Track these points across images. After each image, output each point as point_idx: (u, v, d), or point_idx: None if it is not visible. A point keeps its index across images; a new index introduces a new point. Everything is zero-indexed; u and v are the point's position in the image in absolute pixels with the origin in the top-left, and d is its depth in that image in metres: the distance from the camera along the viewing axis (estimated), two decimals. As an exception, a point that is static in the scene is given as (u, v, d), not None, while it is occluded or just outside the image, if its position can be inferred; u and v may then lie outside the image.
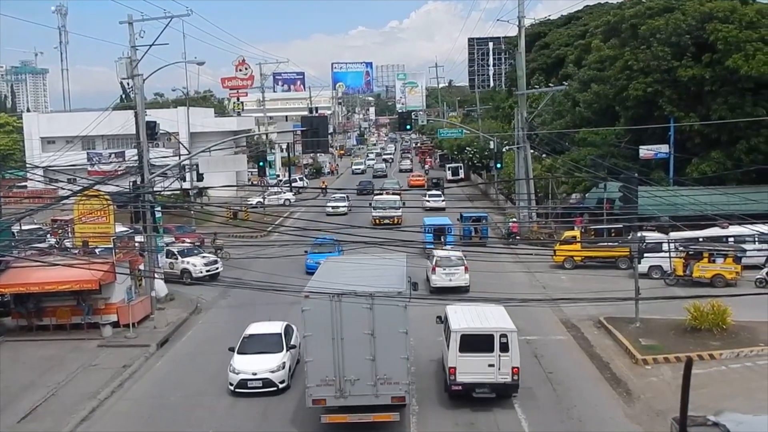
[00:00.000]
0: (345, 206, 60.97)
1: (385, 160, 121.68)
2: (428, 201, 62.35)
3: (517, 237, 48.25)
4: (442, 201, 62.91)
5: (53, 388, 24.66)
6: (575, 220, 47.44)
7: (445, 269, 36.41)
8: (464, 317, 23.05)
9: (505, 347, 21.64)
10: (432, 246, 40.36)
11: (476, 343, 21.79)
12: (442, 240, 42.37)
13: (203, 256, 41.51)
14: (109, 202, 32.53)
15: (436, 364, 25.09)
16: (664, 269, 36.50)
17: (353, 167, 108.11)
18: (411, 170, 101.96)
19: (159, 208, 37.14)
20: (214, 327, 32.33)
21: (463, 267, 36.29)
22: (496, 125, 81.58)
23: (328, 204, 59.64)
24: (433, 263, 36.64)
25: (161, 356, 28.35)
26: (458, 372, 21.70)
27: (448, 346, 22.53)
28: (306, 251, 39.12)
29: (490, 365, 21.65)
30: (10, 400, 23.68)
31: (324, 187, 65.67)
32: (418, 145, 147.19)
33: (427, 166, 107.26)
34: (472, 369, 21.64)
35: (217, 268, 40.92)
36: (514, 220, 50.89)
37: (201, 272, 40.01)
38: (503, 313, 23.13)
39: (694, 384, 17.01)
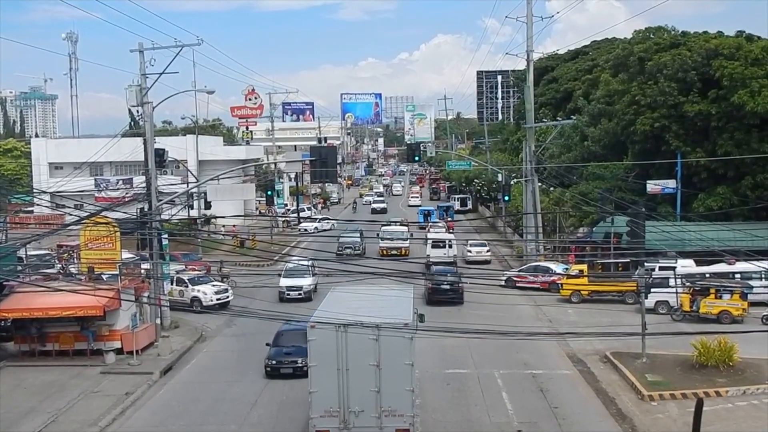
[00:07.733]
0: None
1: (375, 210, 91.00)
2: (410, 200, 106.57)
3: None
4: (419, 199, 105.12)
5: (54, 415, 24.49)
6: (569, 255, 47.47)
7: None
8: (433, 236, 54.10)
9: (450, 246, 50.57)
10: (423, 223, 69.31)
11: (437, 244, 50.90)
12: (428, 220, 70.51)
13: (213, 284, 41.46)
14: (116, 228, 32.52)
15: (443, 393, 24.92)
16: (671, 304, 36.35)
17: (285, 270, 43.72)
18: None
19: (166, 236, 37.17)
20: (218, 355, 32.21)
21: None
22: (505, 158, 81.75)
23: None
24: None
25: (164, 384, 28.16)
26: (430, 256, 49.16)
27: (426, 247, 50.58)
28: None
29: (444, 254, 49.74)
30: (10, 425, 23.54)
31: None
32: (427, 172, 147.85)
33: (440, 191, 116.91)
34: (436, 255, 49.49)
35: (227, 297, 40.81)
36: None
37: (211, 300, 39.95)
38: (451, 235, 54.29)
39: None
